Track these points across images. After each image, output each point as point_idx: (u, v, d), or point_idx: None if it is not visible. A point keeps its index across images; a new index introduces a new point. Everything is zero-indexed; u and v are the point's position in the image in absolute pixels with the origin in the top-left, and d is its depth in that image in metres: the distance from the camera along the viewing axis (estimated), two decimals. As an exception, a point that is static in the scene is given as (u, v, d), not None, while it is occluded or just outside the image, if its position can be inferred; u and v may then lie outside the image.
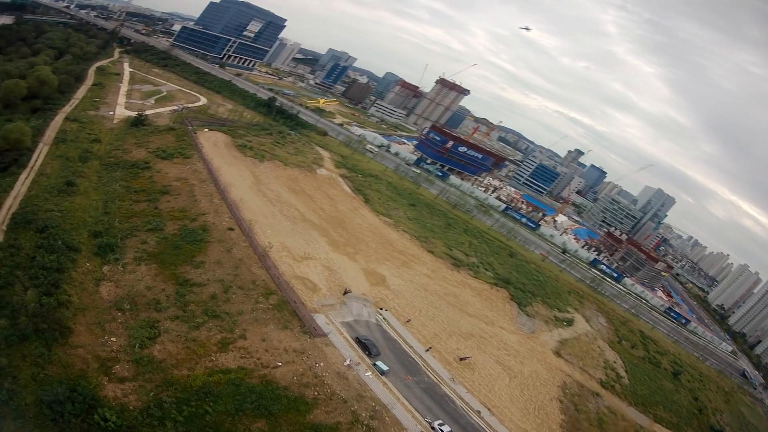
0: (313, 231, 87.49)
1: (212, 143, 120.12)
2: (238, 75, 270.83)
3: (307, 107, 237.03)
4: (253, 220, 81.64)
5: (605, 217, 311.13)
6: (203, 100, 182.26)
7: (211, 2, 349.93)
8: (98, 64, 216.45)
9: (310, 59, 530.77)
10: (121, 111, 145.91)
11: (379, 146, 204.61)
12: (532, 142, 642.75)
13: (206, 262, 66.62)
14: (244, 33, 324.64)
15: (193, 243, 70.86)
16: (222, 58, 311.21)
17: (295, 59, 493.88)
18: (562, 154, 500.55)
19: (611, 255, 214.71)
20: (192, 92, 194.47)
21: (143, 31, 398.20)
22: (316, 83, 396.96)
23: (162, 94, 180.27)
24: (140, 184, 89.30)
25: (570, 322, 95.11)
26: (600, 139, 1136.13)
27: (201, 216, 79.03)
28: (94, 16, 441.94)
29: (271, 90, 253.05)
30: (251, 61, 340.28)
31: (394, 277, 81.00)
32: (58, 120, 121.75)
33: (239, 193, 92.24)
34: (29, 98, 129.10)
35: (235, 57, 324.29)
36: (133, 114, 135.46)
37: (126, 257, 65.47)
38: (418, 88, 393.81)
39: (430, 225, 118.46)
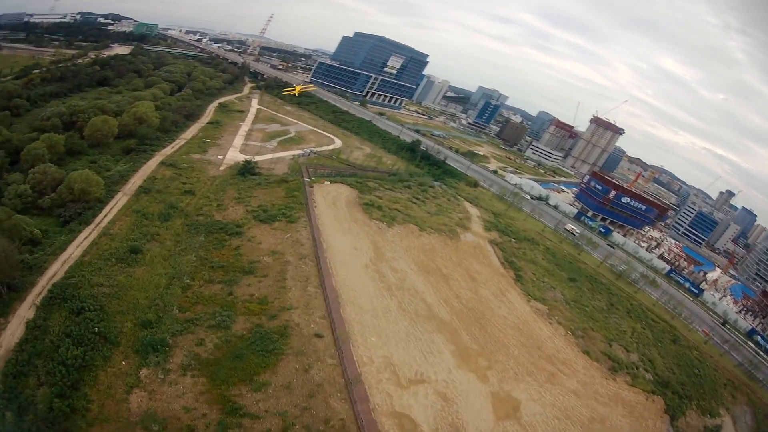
0: (437, 335, 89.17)
1: (330, 201, 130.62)
2: (381, 114, 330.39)
3: (457, 151, 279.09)
4: (355, 321, 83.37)
5: (759, 270, 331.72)
6: (337, 143, 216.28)
7: (345, 37, 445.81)
8: (222, 100, 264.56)
9: (461, 98, 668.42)
10: (234, 155, 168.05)
11: (537, 198, 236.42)
12: (684, 183, 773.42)
13: (271, 384, 66.95)
14: (386, 69, 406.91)
15: (261, 353, 71.98)
16: (365, 96, 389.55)
17: (446, 97, 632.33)
18: (714, 195, 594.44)
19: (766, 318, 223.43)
20: (325, 133, 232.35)
21: (280, 66, 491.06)
22: (468, 123, 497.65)
23: (289, 136, 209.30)
24: (222, 257, 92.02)
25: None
26: (747, 178, 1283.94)
27: (284, 312, 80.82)
28: (227, 50, 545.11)
29: (417, 131, 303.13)
30: (397, 99, 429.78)
31: (532, 402, 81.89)
32: (152, 164, 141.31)
33: (347, 277, 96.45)
34: (125, 137, 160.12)
35: (379, 95, 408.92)
36: (248, 159, 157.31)
37: (171, 362, 67.78)
38: (573, 127, 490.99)
39: (591, 308, 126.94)
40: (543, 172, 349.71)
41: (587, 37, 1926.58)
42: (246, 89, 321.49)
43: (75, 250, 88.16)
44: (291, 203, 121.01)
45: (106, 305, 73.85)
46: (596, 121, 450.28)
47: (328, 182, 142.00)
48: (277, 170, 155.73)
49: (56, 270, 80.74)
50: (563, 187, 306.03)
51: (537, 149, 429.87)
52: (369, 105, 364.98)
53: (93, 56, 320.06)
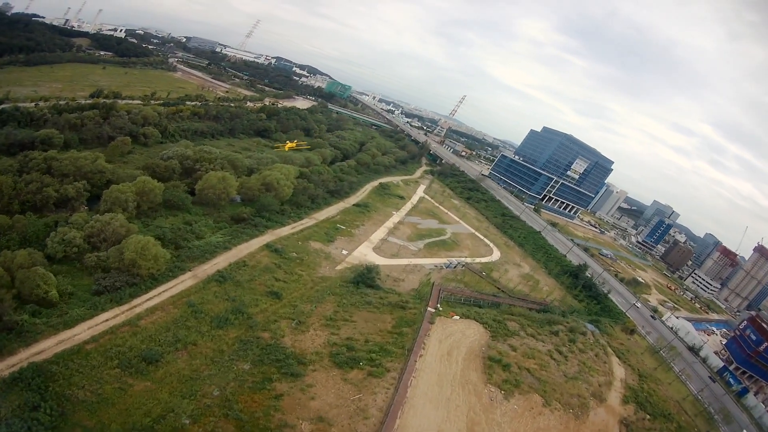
0: None
1: (446, 349, 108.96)
2: (554, 225, 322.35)
3: (622, 280, 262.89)
4: None
5: None
6: (495, 255, 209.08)
7: (532, 131, 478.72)
8: (386, 179, 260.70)
9: (634, 210, 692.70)
10: (363, 252, 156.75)
11: (690, 348, 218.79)
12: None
13: None
14: (568, 173, 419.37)
15: None
16: (541, 199, 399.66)
17: (620, 209, 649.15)
18: None
19: None
20: (486, 240, 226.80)
21: (463, 153, 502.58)
22: (638, 242, 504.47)
23: (442, 238, 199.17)
24: (250, 403, 75.79)
25: None
26: None
27: None
28: (415, 126, 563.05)
29: (586, 249, 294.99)
30: (573, 207, 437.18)
31: None
32: (254, 244, 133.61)
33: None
34: (245, 201, 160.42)
35: (556, 200, 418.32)
36: (380, 261, 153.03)
37: None
38: (736, 255, 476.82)
39: None
40: (699, 306, 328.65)
41: (757, 152, 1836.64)
42: (418, 172, 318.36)
43: (84, 331, 79.39)
44: (392, 344, 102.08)
45: (69, 415, 64.74)
46: (760, 251, 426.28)
47: (458, 317, 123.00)
48: (405, 284, 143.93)
49: (47, 347, 74.30)
50: (713, 328, 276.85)
51: (697, 279, 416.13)
52: (543, 210, 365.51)
53: (267, 103, 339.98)
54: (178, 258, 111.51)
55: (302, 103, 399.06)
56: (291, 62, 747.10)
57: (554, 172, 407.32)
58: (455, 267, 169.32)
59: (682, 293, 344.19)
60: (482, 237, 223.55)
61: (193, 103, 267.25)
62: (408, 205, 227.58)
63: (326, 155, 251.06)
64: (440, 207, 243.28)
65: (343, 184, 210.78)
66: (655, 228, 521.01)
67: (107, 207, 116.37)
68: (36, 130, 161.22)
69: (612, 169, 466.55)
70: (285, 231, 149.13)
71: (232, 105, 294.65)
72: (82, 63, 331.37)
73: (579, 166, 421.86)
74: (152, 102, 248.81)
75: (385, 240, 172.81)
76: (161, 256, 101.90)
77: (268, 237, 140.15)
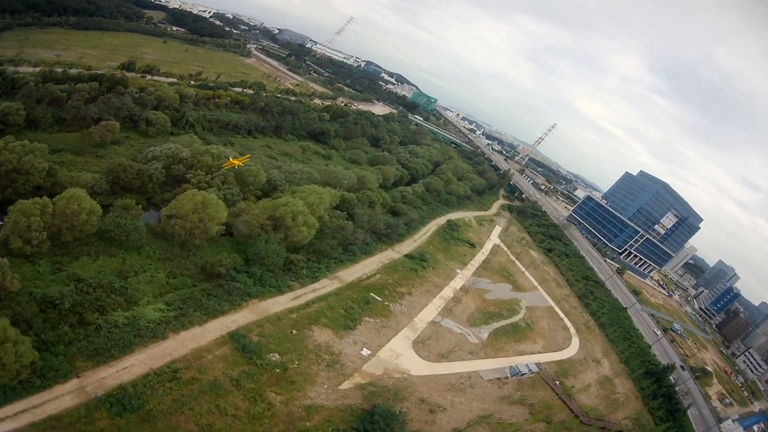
0: None
1: None
2: (636, 294, 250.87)
3: (692, 369, 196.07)
4: None
5: None
6: (573, 346, 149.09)
7: (627, 174, 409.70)
8: (456, 215, 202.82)
9: (695, 267, 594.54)
10: (395, 352, 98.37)
11: None
12: None
13: None
14: (655, 226, 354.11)
15: None
16: (621, 254, 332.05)
17: (685, 266, 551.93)
18: None
19: None
20: (565, 319, 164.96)
21: (542, 186, 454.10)
22: (699, 309, 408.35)
23: (513, 320, 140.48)
24: None
25: None
26: None
27: None
28: (495, 150, 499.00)
29: (666, 329, 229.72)
30: (649, 265, 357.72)
31: None
32: (212, 330, 78.35)
33: None
34: (245, 240, 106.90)
35: (634, 255, 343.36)
36: (419, 369, 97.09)
37: None
38: None
39: None
40: (746, 395, 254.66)
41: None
42: (494, 207, 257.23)
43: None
44: None
45: None
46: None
47: None
48: (446, 419, 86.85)
49: None
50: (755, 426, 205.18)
51: (750, 357, 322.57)
52: (616, 264, 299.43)
53: (340, 103, 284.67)
54: (61, 355, 63.46)
55: (380, 110, 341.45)
56: (380, 68, 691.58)
57: (642, 224, 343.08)
58: (523, 375, 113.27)
59: (736, 378, 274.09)
60: (561, 314, 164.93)
61: (241, 89, 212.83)
62: (478, 257, 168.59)
63: (389, 174, 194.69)
64: (516, 263, 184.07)
65: (399, 221, 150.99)
66: (721, 296, 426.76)
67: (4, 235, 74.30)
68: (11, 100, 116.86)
69: (699, 227, 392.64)
70: (278, 304, 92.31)
71: (292, 98, 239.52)
72: (143, 34, 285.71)
73: (668, 221, 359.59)
74: (192, 83, 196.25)
75: (437, 324, 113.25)
76: (25, 354, 56.19)
77: (242, 316, 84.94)
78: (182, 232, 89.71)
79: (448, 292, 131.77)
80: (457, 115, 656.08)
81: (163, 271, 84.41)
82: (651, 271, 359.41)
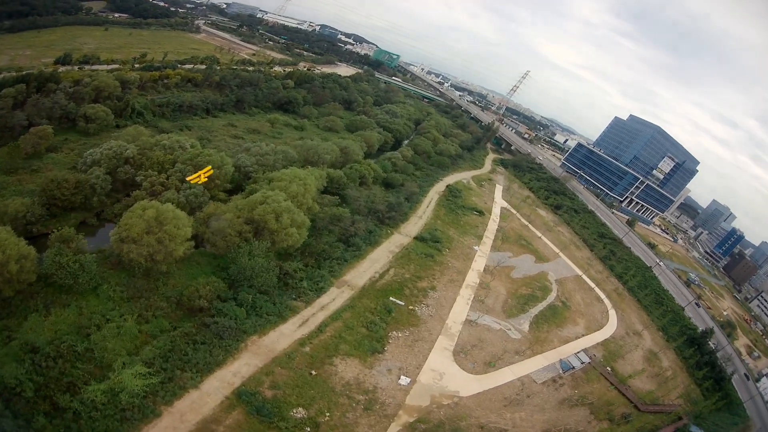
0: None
1: None
2: (651, 247, 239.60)
3: (719, 322, 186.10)
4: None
5: None
6: (611, 320, 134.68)
7: (616, 118, 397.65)
8: (452, 178, 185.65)
9: (688, 207, 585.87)
10: (437, 371, 79.89)
11: None
12: None
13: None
14: (654, 172, 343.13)
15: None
16: (621, 202, 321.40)
17: (680, 207, 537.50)
18: None
19: None
20: (596, 289, 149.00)
21: (525, 135, 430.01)
22: (705, 252, 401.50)
23: (548, 302, 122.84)
24: None
25: None
26: None
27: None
28: (469, 101, 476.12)
29: (689, 283, 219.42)
30: (651, 211, 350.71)
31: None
32: (210, 390, 59.38)
33: None
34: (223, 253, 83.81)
35: (636, 203, 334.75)
36: (469, 387, 79.79)
37: None
38: None
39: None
40: None
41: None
42: (487, 163, 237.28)
43: None
44: None
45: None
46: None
47: None
48: None
49: None
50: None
51: (763, 303, 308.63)
52: (616, 212, 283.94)
53: (302, 68, 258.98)
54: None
55: (345, 71, 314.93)
56: (336, 30, 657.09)
57: (640, 170, 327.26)
58: (575, 369, 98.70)
59: (755, 325, 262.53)
60: (592, 284, 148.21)
61: (192, 66, 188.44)
62: (491, 226, 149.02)
63: (372, 140, 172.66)
64: (530, 227, 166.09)
65: (399, 196, 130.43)
66: (725, 238, 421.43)
67: None
68: None
69: (697, 171, 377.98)
70: (284, 336, 71.19)
71: (250, 68, 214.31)
72: (82, 26, 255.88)
73: (666, 165, 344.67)
74: (136, 66, 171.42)
75: (472, 323, 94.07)
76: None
77: (244, 363, 64.33)
78: (141, 259, 67.06)
79: (472, 277, 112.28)
80: (422, 69, 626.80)
81: (131, 317, 62.63)
82: (653, 217, 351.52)
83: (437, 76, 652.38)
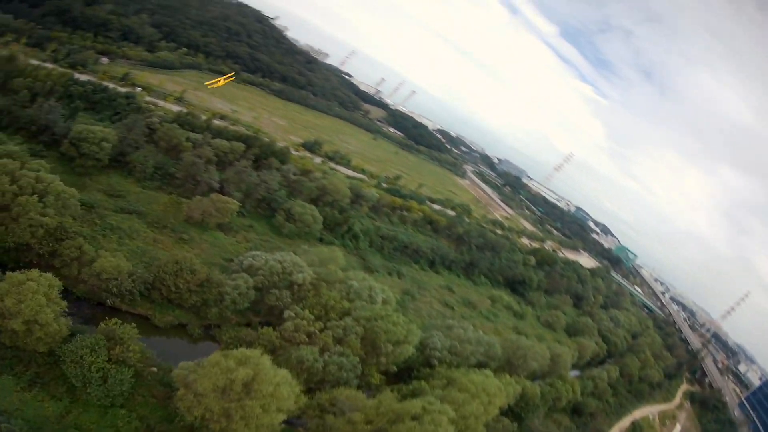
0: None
1: None
2: None
3: None
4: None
5: None
6: None
7: None
8: (641, 412, 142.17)
9: None
10: None
11: None
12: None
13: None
14: None
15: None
16: None
17: None
18: None
19: None
20: None
21: (720, 365, 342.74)
22: None
23: None
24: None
25: None
26: None
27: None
28: (682, 317, 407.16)
29: None
30: None
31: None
32: None
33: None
34: None
35: None
36: None
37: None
38: None
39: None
40: None
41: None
42: (678, 395, 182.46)
43: None
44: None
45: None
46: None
47: None
48: None
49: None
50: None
51: None
52: None
53: (548, 248, 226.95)
54: None
55: (586, 261, 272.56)
56: (588, 215, 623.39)
57: None
58: None
59: None
60: None
61: (441, 208, 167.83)
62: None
63: (586, 351, 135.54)
64: None
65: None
66: None
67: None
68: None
69: None
70: None
71: (498, 232, 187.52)
72: (353, 125, 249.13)
73: None
74: (382, 185, 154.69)
75: None
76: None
77: None
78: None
79: None
80: (651, 275, 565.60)
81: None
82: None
83: (661, 284, 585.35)
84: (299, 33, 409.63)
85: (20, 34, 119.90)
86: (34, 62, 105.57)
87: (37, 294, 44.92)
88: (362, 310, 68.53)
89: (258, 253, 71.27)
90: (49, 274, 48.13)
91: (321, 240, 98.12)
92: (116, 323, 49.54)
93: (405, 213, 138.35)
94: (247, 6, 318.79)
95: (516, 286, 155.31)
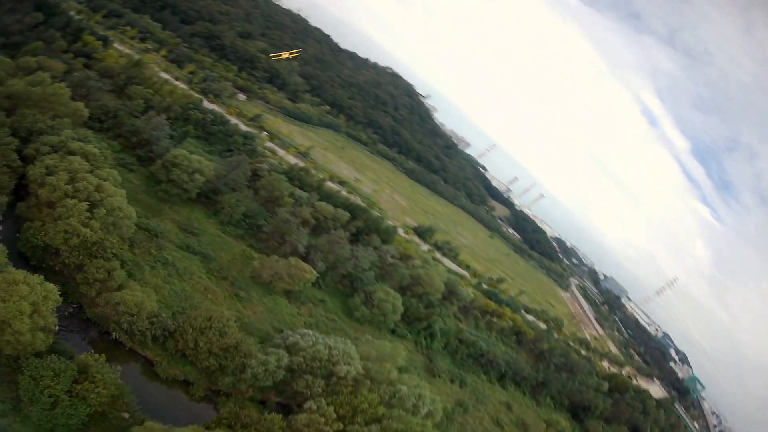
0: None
1: None
2: None
3: None
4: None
5: None
6: None
7: None
8: None
9: None
10: None
11: None
12: None
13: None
14: None
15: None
16: None
17: None
18: None
19: None
20: None
21: None
22: None
23: None
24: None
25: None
26: None
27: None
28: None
29: None
30: None
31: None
32: None
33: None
34: None
35: None
36: None
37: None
38: None
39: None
40: None
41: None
42: None
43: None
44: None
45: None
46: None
47: None
48: None
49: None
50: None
51: None
52: None
53: (624, 373, 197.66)
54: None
55: (656, 390, 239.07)
56: (671, 342, 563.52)
57: None
58: None
59: None
60: None
61: (534, 319, 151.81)
62: None
63: None
64: None
65: None
66: None
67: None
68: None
69: None
70: None
71: (583, 352, 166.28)
72: (473, 218, 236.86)
73: None
74: (483, 286, 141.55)
75: None
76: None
77: None
78: None
79: None
80: (710, 407, 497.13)
81: None
82: None
83: (717, 416, 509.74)
84: (446, 117, 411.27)
85: (163, 46, 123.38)
86: (164, 76, 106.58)
87: (24, 300, 41.64)
88: (396, 421, 57.03)
89: (309, 332, 62.98)
90: (51, 285, 45.00)
91: (393, 332, 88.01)
92: (96, 359, 45.29)
93: (495, 319, 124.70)
94: (401, 78, 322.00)
95: (579, 411, 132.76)
